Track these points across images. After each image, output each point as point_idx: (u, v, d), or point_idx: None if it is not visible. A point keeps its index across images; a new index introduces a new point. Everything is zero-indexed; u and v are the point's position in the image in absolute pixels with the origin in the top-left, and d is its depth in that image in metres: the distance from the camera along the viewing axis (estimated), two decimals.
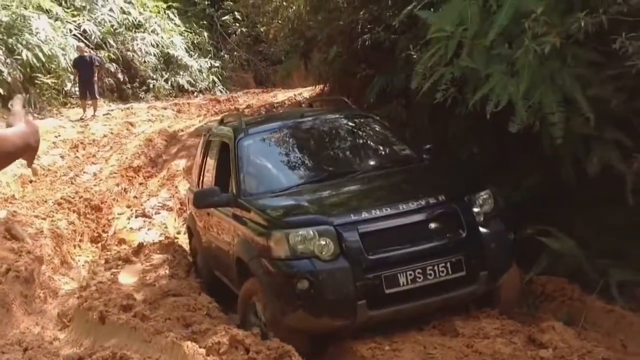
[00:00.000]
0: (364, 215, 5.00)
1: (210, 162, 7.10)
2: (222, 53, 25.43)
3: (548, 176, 5.94)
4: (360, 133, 6.78)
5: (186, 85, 22.41)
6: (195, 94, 22.35)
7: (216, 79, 23.53)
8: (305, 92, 17.03)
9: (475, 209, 5.19)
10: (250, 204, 5.59)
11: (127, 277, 7.48)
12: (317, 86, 14.58)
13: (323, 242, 4.85)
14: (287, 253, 4.89)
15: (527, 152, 6.22)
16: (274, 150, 6.54)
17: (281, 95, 18.49)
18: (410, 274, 4.84)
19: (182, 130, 15.79)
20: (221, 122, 7.48)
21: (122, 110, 18.42)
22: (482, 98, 5.51)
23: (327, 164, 6.25)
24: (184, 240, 9.06)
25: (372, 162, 6.36)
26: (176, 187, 11.55)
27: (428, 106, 6.88)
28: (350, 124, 6.80)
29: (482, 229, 5.12)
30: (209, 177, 6.99)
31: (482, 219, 5.18)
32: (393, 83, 8.15)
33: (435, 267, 4.88)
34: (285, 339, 4.76)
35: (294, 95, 17.48)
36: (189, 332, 5.28)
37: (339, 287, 4.77)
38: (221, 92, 23.00)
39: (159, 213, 10.34)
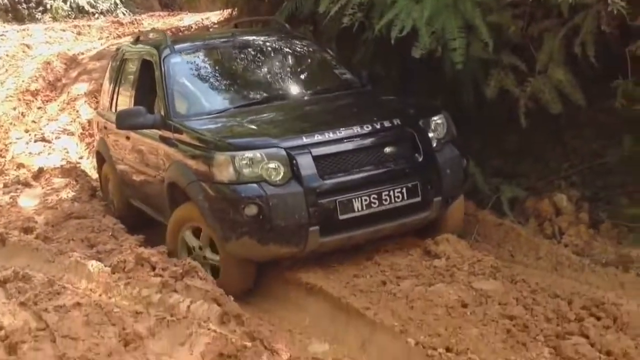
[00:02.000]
0: (317, 137, 4.73)
1: (127, 83, 6.59)
2: None
3: (449, 100, 6.08)
4: (300, 55, 6.38)
5: (86, 7, 21.40)
6: (96, 15, 21.42)
7: (118, 1, 22.61)
8: (213, 17, 16.60)
9: (431, 134, 5.03)
10: (183, 126, 5.21)
11: (27, 201, 7.28)
12: (224, 10, 14.24)
13: (272, 166, 4.56)
14: (233, 177, 4.58)
15: (430, 77, 6.39)
16: (205, 69, 6.03)
17: (188, 19, 17.95)
18: (366, 200, 4.66)
19: (83, 54, 15.14)
20: (137, 40, 6.93)
21: (17, 32, 17.53)
22: (388, 24, 5.65)
23: (266, 86, 5.87)
24: (87, 165, 8.87)
25: (314, 86, 5.99)
26: (77, 111, 11.19)
27: (336, 31, 6.89)
28: (288, 45, 6.36)
29: (437, 154, 4.97)
30: (126, 99, 6.47)
31: (437, 144, 5.02)
32: (302, 7, 8.09)
33: (391, 193, 4.73)
34: (227, 268, 4.75)
35: (201, 19, 17.01)
36: (93, 252, 5.24)
37: (291, 212, 4.52)
38: (124, 14, 22.12)
39: (59, 138, 10.12)
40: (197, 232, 5.03)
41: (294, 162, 4.58)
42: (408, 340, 3.83)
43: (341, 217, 4.61)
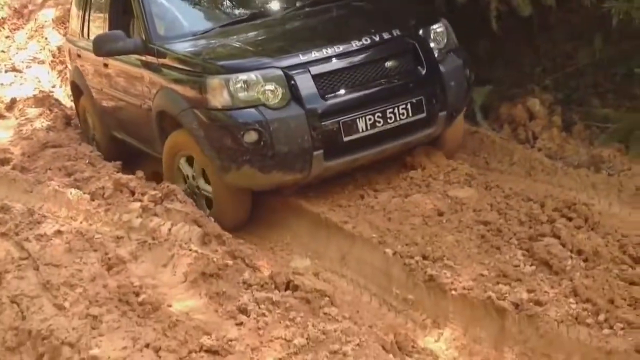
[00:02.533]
0: (315, 54, 4.44)
1: (97, 7, 6.24)
2: None
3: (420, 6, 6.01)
4: None
5: None
6: None
7: None
8: None
9: (432, 44, 4.76)
10: (168, 49, 4.87)
11: (1, 132, 7.24)
12: None
13: (270, 88, 4.28)
14: (228, 102, 4.29)
15: None
16: None
17: None
18: (370, 119, 4.41)
19: None
20: None
21: None
22: None
23: (251, 2, 5.54)
24: (60, 94, 8.75)
25: None
26: (46, 38, 10.90)
27: None
28: None
29: (441, 66, 4.70)
30: (98, 24, 6.12)
31: (439, 54, 4.75)
32: None
33: (396, 110, 4.47)
34: (221, 199, 4.60)
35: None
36: (71, 180, 5.21)
37: (293, 137, 4.26)
38: None
39: (30, 67, 9.97)
40: (191, 160, 4.84)
41: (293, 82, 4.32)
42: (386, 250, 3.92)
43: (345, 138, 4.39)
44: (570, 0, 5.50)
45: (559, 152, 5.13)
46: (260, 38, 4.94)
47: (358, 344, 2.87)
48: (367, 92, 4.48)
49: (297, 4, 5.44)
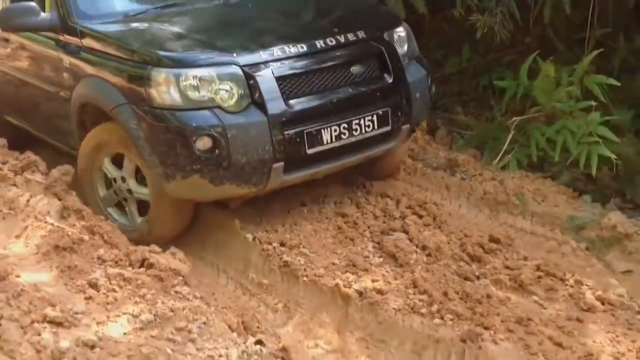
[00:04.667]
0: (277, 52, 3.95)
1: None
2: None
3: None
4: None
5: None
6: None
7: None
8: None
9: (398, 50, 4.38)
10: (96, 31, 4.22)
11: None
12: None
13: (226, 88, 3.77)
14: (178, 101, 3.75)
15: None
16: None
17: None
18: (335, 130, 3.99)
19: None
20: None
21: None
22: None
23: None
24: None
25: None
26: None
27: None
28: None
29: (407, 75, 4.34)
30: None
31: (404, 62, 4.39)
32: None
33: (361, 121, 4.08)
34: (160, 205, 4.06)
35: None
36: None
37: (253, 146, 3.77)
38: None
39: None
40: (118, 161, 4.23)
41: (253, 83, 3.81)
42: (246, 235, 4.05)
43: (309, 151, 3.93)
44: (443, 10, 5.80)
45: (421, 153, 5.42)
46: (208, 26, 4.39)
47: (204, 322, 2.98)
48: (333, 99, 4.04)
49: None
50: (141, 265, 3.42)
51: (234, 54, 3.89)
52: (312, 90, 4.01)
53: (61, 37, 4.42)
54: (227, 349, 2.83)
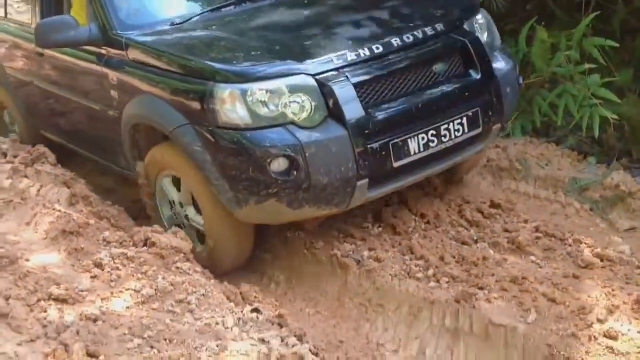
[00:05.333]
0: (350, 57, 3.49)
1: None
2: None
3: None
4: None
5: None
6: None
7: None
8: None
9: (483, 41, 3.89)
10: (144, 44, 3.85)
11: None
12: None
13: (299, 100, 3.35)
14: (246, 120, 3.33)
15: None
16: None
17: None
18: (423, 138, 3.55)
19: None
20: None
21: None
22: None
23: None
24: None
25: None
26: None
27: None
28: None
29: (495, 68, 3.86)
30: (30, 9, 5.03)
31: (490, 54, 3.90)
32: None
33: (451, 125, 3.63)
34: (218, 235, 3.72)
35: None
36: None
37: (335, 164, 3.34)
38: None
39: None
40: (178, 182, 3.89)
41: (329, 93, 3.37)
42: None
43: (396, 164, 3.49)
44: None
45: None
46: (267, 31, 3.91)
47: (203, 294, 3.08)
48: (418, 104, 3.56)
49: None
50: (144, 245, 3.52)
51: (304, 62, 3.45)
52: (394, 96, 3.56)
53: (103, 51, 4.08)
54: (223, 317, 2.92)
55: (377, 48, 3.57)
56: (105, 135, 4.29)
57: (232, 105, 3.34)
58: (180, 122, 3.54)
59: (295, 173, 3.31)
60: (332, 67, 3.44)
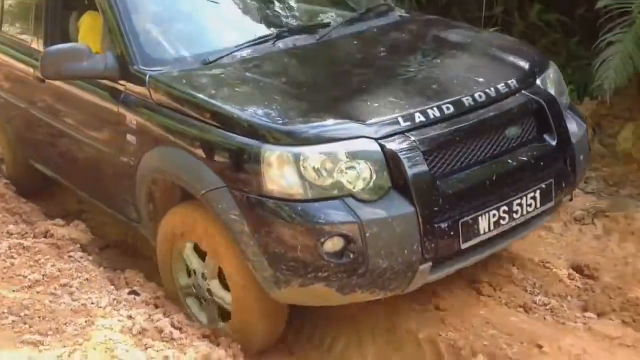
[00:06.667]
0: (419, 118, 3.01)
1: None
2: None
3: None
4: None
5: None
6: None
7: None
8: None
9: (558, 101, 3.43)
10: (173, 85, 3.35)
11: None
12: None
13: (360, 169, 2.86)
14: (297, 189, 2.86)
15: None
16: None
17: None
18: (495, 215, 3.07)
19: None
20: None
21: None
22: None
23: (285, 12, 3.98)
24: None
25: (343, 9, 4.08)
26: None
27: None
28: None
29: (571, 133, 3.39)
30: (19, 18, 4.65)
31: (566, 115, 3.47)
32: None
33: (523, 200, 3.15)
34: (247, 315, 3.22)
35: None
36: None
37: (398, 246, 2.85)
38: None
39: None
40: (200, 249, 3.38)
41: (395, 161, 2.88)
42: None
43: (464, 245, 3.02)
44: None
45: None
46: (319, 79, 3.44)
47: (87, 279, 3.27)
48: (491, 176, 3.09)
49: (339, 20, 3.96)
50: (45, 237, 3.74)
51: (366, 122, 2.95)
52: (465, 166, 3.08)
53: (120, 87, 3.58)
54: (100, 298, 3.08)
55: (448, 108, 3.09)
56: (114, 182, 3.79)
57: (281, 171, 2.88)
58: (215, 184, 3.04)
59: (351, 256, 2.84)
60: (398, 129, 2.96)
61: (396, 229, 2.82)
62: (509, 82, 3.29)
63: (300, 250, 2.83)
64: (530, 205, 3.16)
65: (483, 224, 3.03)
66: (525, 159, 3.19)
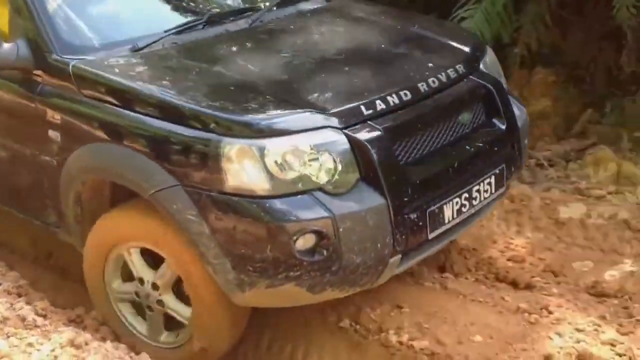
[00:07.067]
0: (379, 105, 2.88)
1: None
2: None
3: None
4: None
5: None
6: None
7: None
8: None
9: (503, 84, 3.42)
10: (104, 75, 3.00)
11: None
12: None
13: (327, 161, 2.69)
14: (263, 184, 2.66)
15: None
16: None
17: None
18: (457, 202, 3.01)
19: None
20: None
21: None
22: None
23: None
24: None
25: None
26: None
27: None
28: None
29: (516, 116, 3.37)
30: None
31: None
32: None
33: (481, 186, 3.11)
34: (207, 323, 2.96)
35: None
36: None
37: (372, 240, 2.73)
38: None
39: None
40: (149, 254, 3.07)
41: (363, 151, 2.73)
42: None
43: (431, 234, 2.93)
44: None
45: None
46: (266, 64, 3.15)
47: None
48: (453, 163, 3.03)
49: (266, 3, 3.72)
50: None
51: (329, 111, 2.78)
52: (427, 153, 2.99)
53: (37, 78, 3.17)
54: None
55: (405, 94, 2.97)
56: (30, 184, 3.40)
57: (243, 166, 2.65)
58: (165, 182, 2.76)
59: (324, 252, 2.67)
60: (362, 117, 2.81)
61: (369, 221, 2.70)
62: (457, 67, 3.23)
63: (269, 249, 2.64)
64: (486, 191, 3.13)
65: (447, 212, 2.96)
66: (480, 144, 3.15)
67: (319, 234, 2.65)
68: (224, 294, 2.83)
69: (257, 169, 2.64)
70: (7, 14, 3.31)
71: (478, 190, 3.08)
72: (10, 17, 3.24)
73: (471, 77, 3.26)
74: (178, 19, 3.46)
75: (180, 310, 3.02)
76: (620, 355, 2.97)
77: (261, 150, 2.63)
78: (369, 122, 2.80)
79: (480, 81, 3.28)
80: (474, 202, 3.08)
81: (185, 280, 2.92)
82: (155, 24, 3.37)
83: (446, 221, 2.97)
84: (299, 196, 2.66)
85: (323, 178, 2.68)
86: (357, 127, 2.77)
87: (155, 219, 2.88)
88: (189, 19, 3.48)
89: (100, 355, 2.77)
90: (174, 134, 2.77)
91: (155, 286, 3.03)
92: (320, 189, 2.68)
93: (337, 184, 2.70)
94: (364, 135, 2.75)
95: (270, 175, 2.64)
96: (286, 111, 2.77)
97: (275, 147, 2.64)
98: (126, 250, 3.08)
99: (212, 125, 2.70)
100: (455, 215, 3.00)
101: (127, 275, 3.15)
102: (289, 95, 2.91)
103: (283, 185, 2.65)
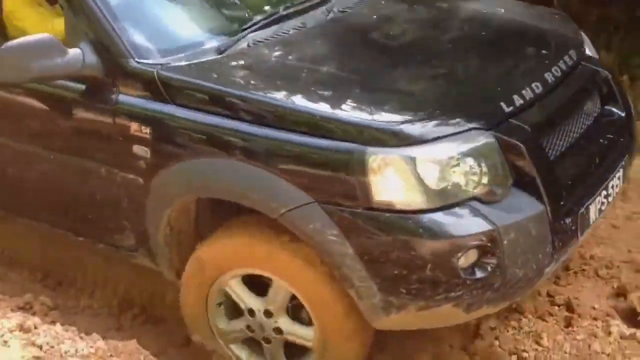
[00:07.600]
0: (517, 100, 2.63)
1: None
2: None
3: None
4: None
5: None
6: None
7: None
8: None
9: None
10: (200, 83, 2.71)
11: None
12: None
13: (478, 167, 2.44)
14: (416, 197, 2.41)
15: None
16: None
17: None
18: (599, 201, 2.79)
19: None
20: None
21: None
22: None
23: None
24: None
25: None
26: None
27: None
28: None
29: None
30: None
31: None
32: None
33: (614, 181, 2.89)
34: (339, 345, 2.70)
35: None
36: None
37: (533, 251, 2.51)
38: None
39: None
40: (252, 282, 2.80)
41: (516, 154, 2.50)
42: None
43: (580, 238, 2.73)
44: None
45: None
46: (375, 65, 2.86)
47: None
48: (593, 158, 2.85)
49: None
50: None
51: (473, 113, 2.54)
52: (566, 150, 2.75)
53: (111, 87, 2.82)
54: None
55: (537, 86, 2.72)
56: (100, 204, 3.03)
57: (392, 178, 2.39)
58: (299, 200, 2.48)
59: (488, 268, 2.43)
60: (504, 116, 2.57)
61: (531, 231, 2.46)
62: (570, 53, 2.97)
63: (429, 269, 2.38)
64: (617, 186, 2.91)
65: (592, 211, 2.73)
66: (609, 135, 2.93)
67: (482, 249, 2.41)
68: (355, 314, 2.59)
69: (408, 180, 2.38)
70: (33, 15, 3.15)
71: (612, 186, 2.86)
72: (67, 18, 2.91)
73: (584, 63, 3.05)
74: (248, 18, 3.13)
75: (301, 333, 2.76)
76: None
77: (412, 160, 2.38)
78: (510, 120, 2.55)
79: (594, 67, 3.06)
80: (610, 199, 2.85)
81: (309, 301, 2.66)
82: (225, 23, 3.15)
83: (591, 222, 2.74)
84: (457, 208, 2.41)
85: (476, 186, 2.44)
86: (502, 126, 2.52)
87: (261, 239, 2.65)
88: (259, 15, 3.14)
89: (50, 336, 2.69)
90: (306, 146, 2.47)
91: (268, 313, 2.76)
92: (475, 198, 2.43)
93: (491, 191, 2.45)
94: (513, 134, 2.49)
95: (424, 187, 2.38)
96: (429, 115, 2.50)
97: (425, 155, 2.39)
98: (230, 281, 2.79)
99: (354, 134, 2.42)
100: (597, 215, 2.78)
101: (231, 311, 2.89)
102: (422, 96, 2.67)
103: (438, 197, 2.40)
